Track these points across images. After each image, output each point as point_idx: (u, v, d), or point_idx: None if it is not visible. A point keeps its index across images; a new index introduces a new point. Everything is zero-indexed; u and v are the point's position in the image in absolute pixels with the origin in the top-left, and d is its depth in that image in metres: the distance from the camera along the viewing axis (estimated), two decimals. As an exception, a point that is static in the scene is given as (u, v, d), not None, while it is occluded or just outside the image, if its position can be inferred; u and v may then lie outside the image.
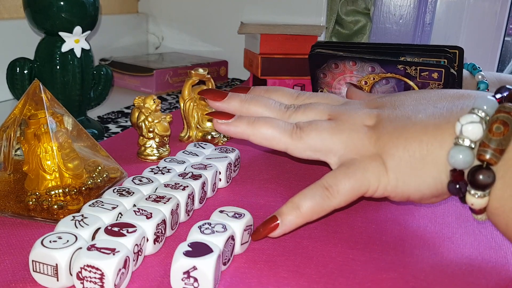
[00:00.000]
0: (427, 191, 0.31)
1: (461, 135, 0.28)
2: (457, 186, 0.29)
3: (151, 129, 0.48)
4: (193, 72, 0.55)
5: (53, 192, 0.36)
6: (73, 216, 0.31)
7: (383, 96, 0.37)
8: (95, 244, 0.28)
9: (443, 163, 0.30)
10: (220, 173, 0.43)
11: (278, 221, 0.33)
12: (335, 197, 0.32)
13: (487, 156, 0.27)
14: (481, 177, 0.28)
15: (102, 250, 0.27)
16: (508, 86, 0.29)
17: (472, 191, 0.28)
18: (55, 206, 0.36)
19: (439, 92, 0.34)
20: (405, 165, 0.31)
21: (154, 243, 0.32)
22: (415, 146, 0.31)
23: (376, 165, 0.32)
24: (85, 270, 0.26)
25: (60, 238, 0.28)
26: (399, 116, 0.33)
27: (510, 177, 0.28)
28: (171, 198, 0.35)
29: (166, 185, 0.37)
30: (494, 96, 0.29)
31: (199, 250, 0.28)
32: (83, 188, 0.37)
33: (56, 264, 0.27)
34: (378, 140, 0.32)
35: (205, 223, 0.31)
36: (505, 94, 0.29)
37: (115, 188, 0.36)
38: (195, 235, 0.30)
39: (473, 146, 0.28)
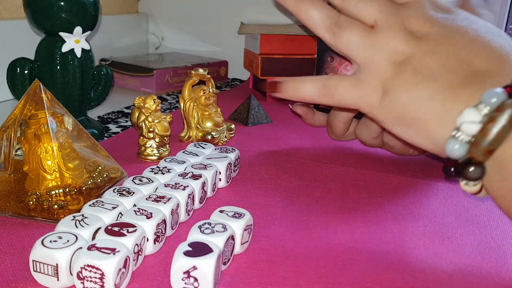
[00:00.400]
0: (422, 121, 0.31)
1: (459, 129, 0.28)
2: (451, 170, 0.29)
3: (151, 129, 0.48)
4: (193, 72, 0.55)
5: (53, 192, 0.36)
6: (74, 216, 0.31)
7: (437, 20, 0.33)
8: (95, 244, 0.28)
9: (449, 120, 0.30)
10: (220, 173, 0.43)
11: (279, 83, 0.37)
12: (327, 99, 0.35)
13: (476, 155, 0.28)
14: (469, 171, 0.28)
15: (102, 250, 0.27)
16: None
17: (464, 181, 0.29)
18: (56, 206, 0.36)
19: (480, 48, 0.32)
20: (409, 109, 0.32)
21: (154, 243, 0.32)
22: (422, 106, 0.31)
23: (377, 97, 0.33)
24: (86, 270, 0.26)
25: (60, 238, 0.28)
26: (424, 68, 0.32)
27: (497, 173, 0.28)
28: (171, 198, 0.35)
29: (166, 185, 0.37)
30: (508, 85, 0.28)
31: (199, 250, 0.28)
32: (84, 188, 0.38)
33: (57, 264, 0.27)
34: (393, 80, 0.33)
35: (205, 223, 0.31)
36: None
37: (116, 188, 0.36)
38: (195, 235, 0.30)
39: (468, 139, 0.28)
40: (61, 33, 0.51)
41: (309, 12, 0.36)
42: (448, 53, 0.32)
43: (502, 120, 0.27)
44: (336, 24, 0.35)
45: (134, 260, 0.29)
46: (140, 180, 0.38)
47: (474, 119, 0.28)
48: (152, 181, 0.38)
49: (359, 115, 0.49)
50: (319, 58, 0.53)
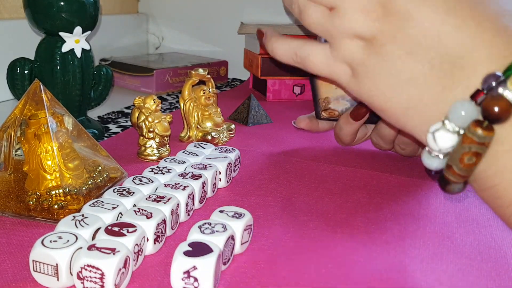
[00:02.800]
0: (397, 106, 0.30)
1: (433, 145, 0.27)
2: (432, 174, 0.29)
3: (151, 129, 0.48)
4: (193, 72, 0.55)
5: (53, 192, 0.36)
6: (74, 216, 0.31)
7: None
8: (95, 244, 0.28)
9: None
10: (220, 173, 0.43)
11: (264, 36, 0.39)
12: (300, 66, 0.35)
13: (454, 180, 0.27)
14: (449, 190, 0.28)
15: (102, 250, 0.27)
16: (497, 73, 0.25)
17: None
18: (56, 206, 0.36)
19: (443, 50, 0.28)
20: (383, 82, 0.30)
21: (154, 243, 0.32)
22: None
23: (346, 76, 0.32)
24: (86, 269, 0.26)
25: (60, 238, 0.28)
26: (388, 55, 0.29)
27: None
28: (171, 198, 0.35)
29: (166, 185, 0.37)
30: (478, 92, 0.26)
31: (199, 250, 0.28)
32: (84, 188, 0.38)
33: (57, 264, 0.27)
34: (358, 65, 0.31)
35: (205, 223, 0.31)
36: (485, 90, 0.25)
37: (116, 188, 0.36)
38: (195, 235, 0.30)
39: (442, 156, 0.27)
40: (61, 33, 0.51)
41: None
42: (412, 31, 0.28)
43: (477, 150, 0.26)
44: (297, 7, 0.35)
45: (134, 260, 0.29)
46: (140, 180, 0.38)
47: (451, 143, 0.26)
48: (152, 181, 0.38)
49: (368, 120, 0.49)
50: None
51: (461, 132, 0.26)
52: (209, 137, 0.54)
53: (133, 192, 0.36)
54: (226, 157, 0.44)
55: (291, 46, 0.36)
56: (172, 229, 0.35)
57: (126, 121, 0.64)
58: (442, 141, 0.27)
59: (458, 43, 0.27)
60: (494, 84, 0.25)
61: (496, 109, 0.25)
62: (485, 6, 0.28)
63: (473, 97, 0.26)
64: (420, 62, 0.28)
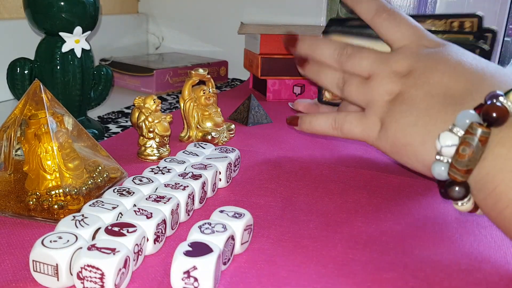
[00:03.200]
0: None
1: (441, 152, 0.31)
2: (442, 191, 0.32)
3: (151, 129, 0.48)
4: (193, 72, 0.55)
5: (53, 192, 0.36)
6: (74, 216, 0.31)
7: (422, 55, 0.37)
8: (95, 244, 0.28)
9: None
10: (220, 173, 0.43)
11: (298, 118, 0.46)
12: (337, 132, 0.42)
13: (454, 175, 0.30)
14: (453, 192, 0.31)
15: (102, 250, 0.27)
16: (498, 92, 0.30)
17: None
18: (56, 206, 0.36)
19: (453, 82, 0.34)
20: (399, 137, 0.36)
21: (154, 243, 0.32)
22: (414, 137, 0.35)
23: (376, 130, 0.39)
24: (86, 270, 0.26)
25: (60, 238, 0.28)
26: (410, 99, 0.36)
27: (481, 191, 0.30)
28: (171, 198, 0.35)
29: (166, 185, 0.37)
30: (481, 105, 0.30)
31: (199, 250, 0.28)
32: (84, 188, 0.38)
33: (57, 264, 0.27)
34: (387, 114, 0.37)
35: (205, 223, 0.31)
36: (488, 102, 0.29)
37: (116, 188, 0.36)
38: (195, 235, 0.30)
39: (446, 160, 0.31)
40: (61, 33, 0.51)
41: (324, 76, 0.44)
42: (429, 81, 0.35)
43: (473, 142, 0.29)
44: (341, 80, 0.42)
45: (134, 260, 0.29)
46: (140, 180, 0.38)
47: (452, 142, 0.30)
48: (152, 181, 0.38)
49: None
50: None
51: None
52: (209, 137, 0.54)
53: (133, 192, 0.36)
54: (226, 157, 0.44)
55: (329, 118, 0.43)
56: (172, 229, 0.35)
57: (126, 121, 0.64)
58: (444, 138, 0.30)
59: (462, 87, 0.34)
60: (495, 100, 0.29)
61: (494, 113, 0.29)
62: (483, 67, 0.34)
63: (477, 108, 0.30)
64: (435, 96, 0.34)
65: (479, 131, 0.29)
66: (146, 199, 0.34)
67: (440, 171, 0.31)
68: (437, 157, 0.31)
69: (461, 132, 0.30)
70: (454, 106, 0.33)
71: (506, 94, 0.29)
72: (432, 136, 0.33)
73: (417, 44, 0.38)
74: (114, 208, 0.33)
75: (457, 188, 0.30)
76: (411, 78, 0.36)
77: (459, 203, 0.31)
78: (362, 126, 0.40)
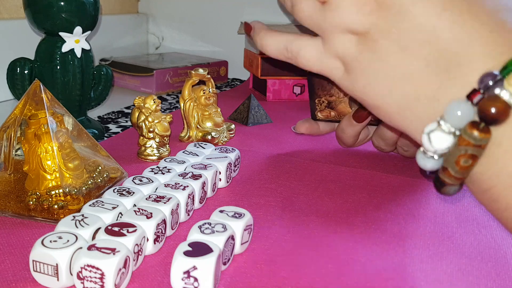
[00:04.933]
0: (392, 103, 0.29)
1: (428, 146, 0.26)
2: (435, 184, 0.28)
3: (151, 129, 0.48)
4: (193, 72, 0.55)
5: (53, 192, 0.36)
6: (74, 216, 0.31)
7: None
8: (95, 244, 0.28)
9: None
10: (220, 173, 0.43)
11: (252, 30, 0.37)
12: (291, 61, 0.35)
13: (450, 182, 0.27)
14: (445, 191, 0.27)
15: (102, 250, 0.27)
16: (494, 72, 0.24)
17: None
18: (56, 206, 0.36)
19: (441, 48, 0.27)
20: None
21: (154, 243, 0.32)
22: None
23: (339, 71, 0.32)
24: (86, 270, 0.26)
25: (60, 238, 0.28)
26: (382, 52, 0.28)
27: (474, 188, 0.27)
28: (171, 198, 0.35)
29: (166, 185, 0.37)
30: (473, 92, 0.25)
31: (199, 250, 0.28)
32: (84, 188, 0.38)
33: (57, 264, 0.27)
34: (351, 60, 0.30)
35: (205, 223, 0.31)
36: (482, 90, 0.25)
37: (115, 188, 0.36)
38: (195, 235, 0.30)
39: (437, 157, 0.27)
40: (61, 33, 0.51)
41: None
42: (405, 24, 0.27)
43: (477, 152, 0.25)
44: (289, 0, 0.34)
45: (134, 260, 0.29)
46: (140, 180, 0.38)
47: (447, 144, 0.26)
48: (152, 181, 0.38)
49: (370, 122, 0.49)
50: None
51: (457, 133, 0.25)
52: (209, 137, 0.54)
53: (133, 192, 0.36)
54: (226, 157, 0.44)
55: (281, 41, 0.35)
56: (172, 229, 0.35)
57: (126, 121, 0.64)
58: (437, 142, 0.26)
59: (454, 38, 0.26)
60: (491, 83, 0.24)
61: (493, 110, 0.24)
62: (483, 1, 0.27)
63: (469, 96, 0.25)
64: (415, 58, 0.27)
65: (478, 138, 0.24)
66: (146, 199, 0.34)
67: (430, 165, 0.27)
68: (426, 153, 0.27)
69: (452, 129, 0.25)
70: (440, 76, 0.26)
71: (502, 72, 0.24)
72: (413, 111, 0.28)
73: None
74: (114, 208, 0.33)
75: (450, 187, 0.27)
76: (383, 17, 0.28)
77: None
78: (319, 63, 0.32)
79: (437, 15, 0.27)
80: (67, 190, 0.36)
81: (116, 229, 0.30)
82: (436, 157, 0.27)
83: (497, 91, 0.24)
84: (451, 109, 0.25)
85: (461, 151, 0.25)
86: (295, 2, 0.33)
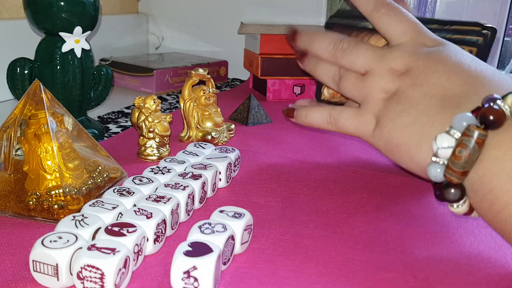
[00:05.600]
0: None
1: (437, 154, 0.31)
2: (438, 193, 0.32)
3: (151, 129, 0.48)
4: (193, 72, 0.55)
5: (53, 192, 0.36)
6: (74, 216, 0.31)
7: (421, 54, 0.37)
8: (95, 244, 0.28)
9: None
10: (220, 173, 0.43)
11: (295, 110, 0.45)
12: (331, 126, 0.42)
13: (452, 177, 0.30)
14: (449, 193, 0.30)
15: (102, 250, 0.27)
16: (495, 96, 0.30)
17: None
18: (56, 206, 0.36)
19: (452, 83, 0.34)
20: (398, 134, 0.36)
21: (154, 243, 0.32)
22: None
23: (371, 127, 0.39)
24: (86, 269, 0.26)
25: (60, 238, 0.28)
26: (407, 99, 0.36)
27: (477, 193, 0.30)
28: (171, 198, 0.35)
29: (166, 185, 0.37)
30: (479, 107, 0.30)
31: (199, 250, 0.28)
32: (84, 188, 0.38)
33: (57, 264, 0.27)
34: (382, 112, 0.37)
35: (205, 223, 0.31)
36: (486, 105, 0.29)
37: (116, 188, 0.36)
38: (195, 235, 0.30)
39: (444, 163, 0.31)
40: (61, 33, 0.51)
41: (321, 70, 0.44)
42: (428, 81, 0.35)
43: (470, 144, 0.29)
44: (338, 75, 0.42)
45: (134, 260, 0.29)
46: (140, 180, 0.38)
47: (448, 144, 0.30)
48: (152, 181, 0.38)
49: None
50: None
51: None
52: (209, 137, 0.54)
53: (133, 192, 0.36)
54: (226, 157, 0.44)
55: (324, 113, 0.42)
56: (172, 229, 0.35)
57: (126, 121, 0.64)
58: (440, 140, 0.30)
59: (460, 89, 0.33)
60: (491, 102, 0.29)
61: (491, 116, 0.29)
62: (472, 61, 0.35)
63: (474, 111, 0.30)
64: (432, 98, 0.34)
65: (476, 133, 0.28)
66: (146, 199, 0.34)
67: (436, 173, 0.31)
68: (433, 158, 0.31)
69: (458, 134, 0.30)
70: (451, 109, 0.32)
71: (503, 97, 0.29)
72: (428, 138, 0.33)
73: (416, 41, 0.38)
74: (114, 208, 0.33)
75: (452, 190, 0.30)
76: (409, 77, 0.36)
77: (455, 205, 0.31)
78: (357, 123, 0.40)
79: (447, 79, 0.34)
80: (67, 190, 0.36)
81: (116, 229, 0.30)
82: (442, 162, 0.30)
83: (497, 105, 0.29)
84: (457, 119, 0.30)
85: (458, 142, 0.29)
86: (343, 75, 0.41)
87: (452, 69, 0.35)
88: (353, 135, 0.41)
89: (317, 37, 0.43)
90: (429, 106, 0.34)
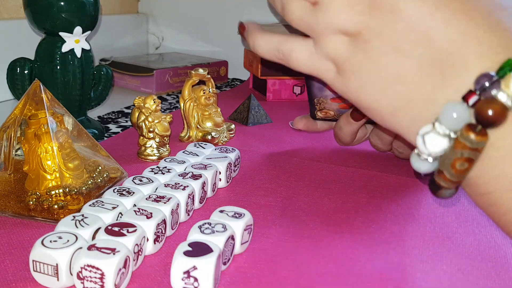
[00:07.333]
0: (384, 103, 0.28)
1: (422, 148, 0.26)
2: (431, 186, 0.28)
3: (151, 129, 0.48)
4: (193, 72, 0.55)
5: (53, 192, 0.36)
6: (74, 216, 0.31)
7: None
8: (95, 244, 0.28)
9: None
10: (220, 173, 0.43)
11: (245, 31, 0.36)
12: (283, 63, 0.33)
13: (446, 186, 0.26)
14: (441, 194, 0.27)
15: (102, 250, 0.27)
16: (490, 73, 0.24)
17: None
18: (56, 206, 0.36)
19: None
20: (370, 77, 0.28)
21: (154, 243, 0.32)
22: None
23: (331, 73, 0.31)
24: (86, 270, 0.26)
25: (60, 238, 0.28)
26: (374, 53, 0.28)
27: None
28: (171, 198, 0.35)
29: (166, 185, 0.37)
30: (470, 92, 0.24)
31: (199, 250, 0.28)
32: (84, 188, 0.38)
33: (57, 264, 0.27)
34: (343, 62, 0.29)
35: (205, 223, 0.31)
36: (477, 89, 0.24)
37: (116, 188, 0.36)
38: (195, 235, 0.30)
39: (432, 159, 0.26)
40: (61, 33, 0.51)
41: None
42: (398, 24, 0.26)
43: (472, 156, 0.24)
44: None
45: (134, 260, 0.29)
46: (140, 180, 0.38)
47: (442, 147, 0.25)
48: (152, 181, 0.38)
49: (368, 121, 0.49)
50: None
51: (452, 135, 0.25)
52: (209, 137, 0.54)
53: (133, 192, 0.36)
54: (226, 157, 0.44)
55: (273, 42, 0.34)
56: (172, 229, 0.35)
57: (126, 121, 0.64)
58: (432, 145, 0.25)
59: (447, 38, 0.25)
60: (487, 84, 0.24)
61: (490, 113, 0.23)
62: (476, 0, 0.26)
63: (465, 98, 0.24)
64: (408, 58, 0.26)
65: (475, 141, 0.24)
66: (146, 199, 0.34)
67: (424, 168, 0.26)
68: (420, 155, 0.26)
69: (448, 132, 0.25)
70: (434, 78, 0.26)
71: (499, 72, 0.24)
72: (406, 113, 0.27)
73: None
74: (114, 208, 0.33)
75: (445, 191, 0.27)
76: (374, 16, 0.27)
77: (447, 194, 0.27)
78: (312, 65, 0.31)
79: (430, 15, 0.26)
80: (67, 190, 0.36)
81: (116, 229, 0.30)
82: (430, 159, 0.26)
83: (493, 92, 0.23)
84: (446, 111, 0.24)
85: (457, 154, 0.24)
86: (286, 4, 0.32)
87: (436, 4, 0.26)
88: (309, 74, 0.33)
89: None
90: (403, 70, 0.27)
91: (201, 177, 0.39)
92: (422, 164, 0.26)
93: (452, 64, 0.25)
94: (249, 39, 0.36)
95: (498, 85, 0.23)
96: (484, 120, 0.24)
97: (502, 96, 0.23)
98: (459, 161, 0.24)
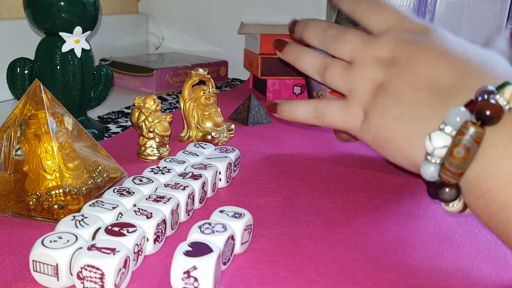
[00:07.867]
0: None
1: (432, 153, 0.29)
2: (431, 191, 0.31)
3: (151, 129, 0.48)
4: (193, 72, 0.55)
5: (53, 192, 0.36)
6: (74, 216, 0.31)
7: (406, 42, 0.35)
8: (95, 244, 0.28)
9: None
10: (220, 173, 0.43)
11: (278, 105, 0.44)
12: (317, 121, 0.41)
13: (447, 178, 0.29)
14: (443, 193, 0.29)
15: (102, 250, 0.27)
16: (489, 88, 0.28)
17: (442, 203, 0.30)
18: (56, 206, 0.36)
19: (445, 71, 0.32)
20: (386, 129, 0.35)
21: (154, 243, 0.32)
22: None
23: (359, 121, 0.37)
24: (86, 270, 0.26)
25: (60, 238, 0.28)
26: (393, 90, 0.34)
27: (470, 194, 0.29)
28: (171, 198, 0.35)
29: (166, 185, 0.37)
30: (472, 101, 0.29)
31: (199, 250, 0.28)
32: (84, 188, 0.38)
33: (57, 264, 0.27)
34: (370, 105, 0.36)
35: (205, 223, 0.31)
36: (480, 99, 0.28)
37: (116, 188, 0.36)
38: (195, 235, 0.30)
39: (440, 162, 0.29)
40: (61, 33, 0.51)
41: (303, 60, 0.43)
42: (413, 72, 0.33)
43: (468, 143, 0.27)
44: (322, 65, 0.40)
45: (134, 260, 0.29)
46: (140, 180, 0.38)
47: (445, 143, 0.28)
48: (152, 181, 0.38)
49: None
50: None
51: (455, 133, 0.28)
52: (209, 137, 0.54)
53: (133, 192, 0.36)
54: (226, 157, 0.44)
55: (309, 107, 0.41)
56: (172, 229, 0.35)
57: (126, 121, 0.64)
58: (436, 140, 0.28)
59: (448, 80, 0.32)
60: (486, 96, 0.28)
61: (488, 112, 0.27)
62: (461, 45, 0.34)
63: (467, 106, 0.28)
64: (420, 90, 0.32)
65: (473, 130, 0.27)
66: (146, 199, 0.34)
67: (430, 172, 0.29)
68: (428, 157, 0.29)
69: (453, 132, 0.28)
70: (440, 102, 0.31)
71: (498, 89, 0.28)
72: (418, 132, 0.32)
73: (400, 27, 0.36)
74: (114, 208, 0.33)
75: (448, 190, 0.29)
76: (395, 67, 0.34)
77: (450, 204, 0.30)
78: (344, 116, 0.38)
79: (430, 63, 0.33)
80: (67, 190, 0.36)
81: (116, 229, 0.30)
82: (436, 161, 0.29)
83: (492, 100, 0.27)
84: (451, 115, 0.28)
85: (455, 142, 0.28)
86: (329, 65, 0.39)
87: (438, 57, 0.33)
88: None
89: (309, 24, 0.42)
90: (417, 98, 0.32)
91: (201, 177, 0.39)
92: (429, 166, 0.29)
93: (457, 89, 0.31)
94: (283, 110, 0.44)
95: (496, 93, 0.28)
96: (483, 117, 0.27)
97: (499, 99, 0.27)
98: (456, 147, 0.27)
